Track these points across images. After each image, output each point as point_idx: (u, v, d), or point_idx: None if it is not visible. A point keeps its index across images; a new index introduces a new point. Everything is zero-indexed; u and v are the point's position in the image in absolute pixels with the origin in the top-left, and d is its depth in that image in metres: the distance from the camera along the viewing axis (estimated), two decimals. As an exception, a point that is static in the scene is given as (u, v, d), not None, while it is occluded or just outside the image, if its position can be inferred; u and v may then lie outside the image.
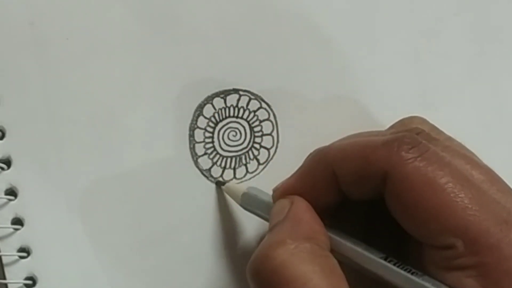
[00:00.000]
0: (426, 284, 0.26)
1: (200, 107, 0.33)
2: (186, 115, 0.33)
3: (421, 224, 0.26)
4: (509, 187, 0.27)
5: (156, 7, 0.33)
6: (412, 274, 0.26)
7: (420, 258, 0.27)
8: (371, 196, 0.28)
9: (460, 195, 0.25)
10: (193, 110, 0.33)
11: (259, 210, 0.31)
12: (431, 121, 0.32)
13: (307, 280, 0.25)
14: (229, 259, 0.34)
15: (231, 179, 0.34)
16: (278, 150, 0.34)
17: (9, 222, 0.32)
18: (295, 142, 0.34)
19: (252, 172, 0.34)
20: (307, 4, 0.34)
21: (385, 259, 0.27)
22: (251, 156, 0.34)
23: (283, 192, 0.30)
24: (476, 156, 0.30)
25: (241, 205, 0.32)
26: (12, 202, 0.32)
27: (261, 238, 0.34)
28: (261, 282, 0.26)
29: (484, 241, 0.25)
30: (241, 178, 0.34)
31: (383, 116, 0.34)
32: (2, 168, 0.32)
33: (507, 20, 0.36)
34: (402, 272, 0.27)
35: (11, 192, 0.32)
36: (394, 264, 0.27)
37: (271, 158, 0.34)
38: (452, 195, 0.25)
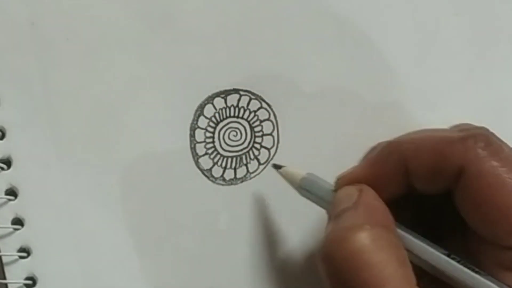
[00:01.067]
0: (491, 284, 0.26)
1: (201, 107, 0.33)
2: (187, 115, 0.33)
3: (491, 223, 0.26)
4: None
5: (156, 7, 0.33)
6: (475, 273, 0.27)
7: (483, 257, 0.27)
8: (440, 190, 0.28)
9: None
10: (193, 110, 0.33)
11: (318, 195, 0.31)
12: (432, 121, 0.32)
13: (383, 268, 0.25)
14: (230, 259, 0.34)
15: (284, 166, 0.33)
16: (278, 150, 0.34)
17: (9, 222, 0.32)
18: (295, 142, 0.34)
19: (252, 172, 0.34)
20: (307, 4, 0.34)
21: (448, 256, 0.27)
22: (252, 156, 0.34)
23: (349, 180, 0.30)
24: None
25: (298, 189, 0.32)
26: (12, 202, 0.32)
27: (262, 238, 0.34)
28: (336, 264, 0.26)
29: None
30: (242, 178, 0.34)
31: (383, 116, 0.34)
32: (2, 168, 0.32)
33: (507, 20, 0.36)
34: (467, 270, 0.27)
35: (11, 192, 0.32)
36: (458, 262, 0.27)
37: (272, 158, 0.34)
38: None
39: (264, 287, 0.34)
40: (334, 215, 0.28)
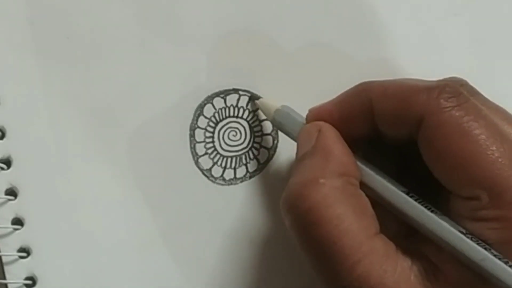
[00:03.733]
0: (444, 222, 0.26)
1: (201, 107, 0.33)
2: (187, 115, 0.33)
3: (449, 172, 0.26)
4: None
5: (156, 7, 0.33)
6: (431, 212, 0.27)
7: (446, 207, 0.27)
8: (404, 138, 0.28)
9: (491, 148, 0.26)
10: (193, 110, 0.33)
11: (290, 129, 0.31)
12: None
13: (339, 222, 0.26)
14: (230, 258, 0.34)
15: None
16: (278, 150, 0.34)
17: (9, 222, 0.32)
18: (295, 142, 0.34)
19: (252, 172, 0.34)
20: (307, 4, 0.34)
21: (407, 194, 0.27)
22: (251, 156, 0.34)
23: (317, 114, 0.30)
24: None
25: (272, 121, 0.32)
26: (12, 202, 0.32)
27: (262, 238, 0.34)
28: (294, 220, 0.27)
29: (509, 196, 0.25)
30: (242, 177, 0.34)
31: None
32: (2, 168, 0.32)
33: (507, 20, 0.36)
34: (421, 207, 0.27)
35: (11, 192, 0.32)
36: (416, 200, 0.27)
37: (271, 158, 0.34)
38: (483, 147, 0.26)
39: (265, 287, 0.34)
40: (298, 158, 0.29)
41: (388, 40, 0.35)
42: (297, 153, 0.30)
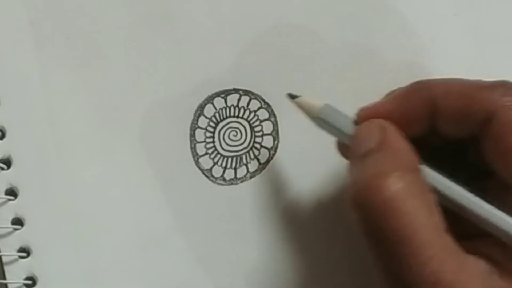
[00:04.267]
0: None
1: (201, 107, 0.33)
2: (187, 115, 0.33)
3: None
4: None
5: (156, 6, 0.33)
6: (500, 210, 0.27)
7: (504, 204, 0.27)
8: (466, 135, 0.28)
9: None
10: (193, 110, 0.33)
11: (337, 126, 0.29)
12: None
13: (414, 216, 0.25)
14: (230, 259, 0.34)
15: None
16: (278, 150, 0.34)
17: (9, 222, 0.32)
18: (295, 142, 0.34)
19: (253, 172, 0.34)
20: (307, 4, 0.34)
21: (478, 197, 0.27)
22: (252, 156, 0.34)
23: (372, 113, 0.29)
24: None
25: (314, 120, 0.30)
26: (12, 202, 0.32)
27: (262, 238, 0.34)
28: (367, 212, 0.26)
29: None
30: (242, 177, 0.34)
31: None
32: (2, 168, 0.32)
33: (507, 20, 0.36)
34: (490, 206, 0.27)
35: (11, 192, 0.32)
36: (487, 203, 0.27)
37: (272, 158, 0.34)
38: None
39: (265, 287, 0.34)
40: (358, 155, 0.28)
41: (389, 39, 0.35)
42: (352, 151, 0.28)
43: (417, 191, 0.26)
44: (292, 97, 0.31)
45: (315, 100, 0.30)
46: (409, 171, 0.27)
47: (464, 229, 0.27)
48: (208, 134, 0.34)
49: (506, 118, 0.26)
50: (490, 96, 0.27)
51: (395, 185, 0.26)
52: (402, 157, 0.27)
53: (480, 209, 0.27)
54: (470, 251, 0.26)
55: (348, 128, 0.29)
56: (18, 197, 0.32)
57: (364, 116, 0.29)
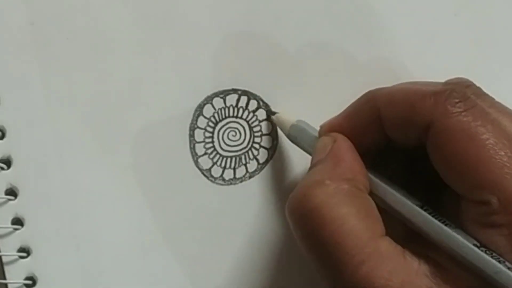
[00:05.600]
0: (458, 236, 0.26)
1: (200, 107, 0.33)
2: (186, 115, 0.33)
3: (459, 176, 0.26)
4: None
5: (156, 7, 0.33)
6: (446, 225, 0.27)
7: (456, 212, 0.27)
8: (414, 143, 0.28)
9: (500, 153, 0.26)
10: (193, 110, 0.33)
11: (305, 143, 0.31)
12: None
13: (343, 222, 0.26)
14: (230, 259, 0.34)
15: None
16: (277, 150, 0.34)
17: (9, 222, 0.32)
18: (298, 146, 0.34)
19: (252, 172, 0.34)
20: (306, 4, 0.34)
21: (421, 207, 0.27)
22: (251, 156, 0.34)
23: (329, 129, 0.30)
24: None
25: (288, 136, 0.33)
26: (12, 202, 0.32)
27: (261, 238, 0.34)
28: (298, 221, 0.27)
29: None
30: (241, 177, 0.34)
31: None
32: (2, 168, 0.32)
33: (507, 20, 0.36)
34: (436, 221, 0.27)
35: (11, 192, 0.32)
36: (430, 214, 0.27)
37: (271, 158, 0.34)
38: (491, 151, 0.26)
39: (264, 286, 0.34)
40: (310, 167, 0.29)
41: (389, 40, 0.35)
42: (311, 162, 0.30)
43: (348, 198, 0.27)
44: (272, 113, 0.33)
45: (289, 117, 0.32)
46: (344, 179, 0.27)
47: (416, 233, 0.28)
48: (207, 134, 0.34)
49: (442, 127, 0.26)
50: (430, 105, 0.27)
51: (324, 193, 0.27)
52: (341, 167, 0.28)
53: (429, 226, 0.27)
54: (418, 253, 0.26)
55: (314, 143, 0.30)
56: (18, 197, 0.32)
57: (323, 132, 0.31)
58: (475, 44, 0.35)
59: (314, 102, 0.34)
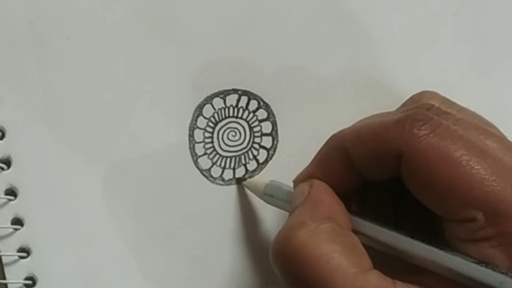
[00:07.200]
0: (456, 257, 0.26)
1: (200, 107, 0.33)
2: (186, 115, 0.33)
3: (440, 200, 0.26)
4: None
5: (156, 7, 0.33)
6: (440, 249, 0.26)
7: (444, 234, 0.27)
8: (389, 175, 0.28)
9: (476, 167, 0.25)
10: (192, 110, 0.33)
11: (283, 200, 0.31)
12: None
13: (329, 259, 0.26)
14: (229, 258, 0.34)
15: (248, 176, 0.34)
16: (277, 150, 0.34)
17: (9, 222, 0.32)
18: (294, 142, 0.34)
19: (251, 172, 0.34)
20: (306, 4, 0.34)
21: (411, 237, 0.27)
22: (251, 156, 0.34)
23: (302, 180, 0.30)
24: (489, 125, 0.30)
25: (263, 197, 0.32)
26: (12, 202, 0.32)
27: (261, 238, 0.34)
28: (283, 264, 0.27)
29: (503, 211, 0.25)
30: (240, 177, 0.34)
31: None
32: (2, 168, 0.32)
33: (507, 20, 0.36)
34: (430, 247, 0.27)
35: (11, 192, 0.32)
36: (422, 242, 0.27)
37: (271, 158, 0.34)
38: (467, 167, 0.25)
39: (264, 286, 0.34)
40: (289, 213, 0.29)
41: (385, 40, 0.35)
42: (290, 212, 0.29)
43: (331, 236, 0.26)
44: (239, 181, 0.34)
45: (260, 179, 0.33)
46: (324, 218, 0.27)
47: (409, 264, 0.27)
48: (207, 135, 0.34)
49: (415, 153, 0.26)
50: (396, 134, 0.27)
51: (307, 233, 0.26)
52: (320, 207, 0.28)
53: (411, 247, 0.27)
54: (412, 282, 0.26)
55: (290, 198, 0.30)
56: (18, 197, 0.32)
57: (297, 179, 0.31)
58: (475, 44, 0.35)
59: (315, 101, 0.34)
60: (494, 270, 0.25)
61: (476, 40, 0.35)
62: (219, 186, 0.34)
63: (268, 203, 0.32)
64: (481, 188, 0.25)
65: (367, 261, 0.27)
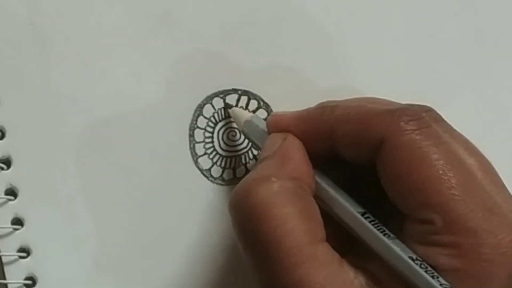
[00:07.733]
0: (395, 247, 0.26)
1: (200, 107, 0.33)
2: (186, 115, 0.33)
3: (405, 194, 0.26)
4: (503, 183, 0.27)
5: (156, 7, 0.33)
6: (384, 235, 0.26)
7: (400, 229, 0.27)
8: (364, 161, 0.28)
9: (448, 174, 0.25)
10: (192, 110, 0.33)
11: (257, 139, 0.31)
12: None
13: (284, 221, 0.25)
14: (229, 258, 0.34)
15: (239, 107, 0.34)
16: (277, 150, 0.34)
17: (9, 222, 0.32)
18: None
19: (251, 172, 0.34)
20: (306, 4, 0.34)
21: (363, 215, 0.27)
22: (251, 156, 0.34)
23: (276, 125, 0.30)
24: (479, 151, 0.30)
25: (242, 132, 0.33)
26: (12, 202, 0.32)
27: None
28: (239, 215, 0.27)
29: (462, 223, 0.25)
30: (241, 178, 0.34)
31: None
32: (2, 168, 0.32)
33: (507, 20, 0.36)
34: (374, 229, 0.26)
35: (11, 192, 0.32)
36: (370, 222, 0.27)
37: (271, 158, 0.34)
38: (440, 172, 0.25)
39: (264, 287, 0.34)
40: (257, 162, 0.29)
41: (384, 39, 0.35)
42: (258, 158, 0.29)
43: (292, 198, 0.26)
44: (228, 106, 0.33)
45: (244, 113, 0.33)
46: (290, 178, 0.27)
47: (356, 240, 0.27)
48: (207, 134, 0.34)
49: (394, 144, 0.26)
50: (383, 122, 0.27)
51: (269, 190, 0.26)
52: (288, 165, 0.28)
53: (366, 234, 0.27)
54: (356, 264, 0.26)
55: (264, 140, 0.30)
56: (18, 197, 0.32)
57: (271, 126, 0.30)
58: (475, 44, 0.35)
59: (315, 101, 0.34)
60: (426, 271, 0.25)
61: (476, 40, 0.35)
62: (219, 186, 0.34)
63: (247, 138, 0.33)
64: (447, 195, 0.25)
65: (320, 231, 0.26)
